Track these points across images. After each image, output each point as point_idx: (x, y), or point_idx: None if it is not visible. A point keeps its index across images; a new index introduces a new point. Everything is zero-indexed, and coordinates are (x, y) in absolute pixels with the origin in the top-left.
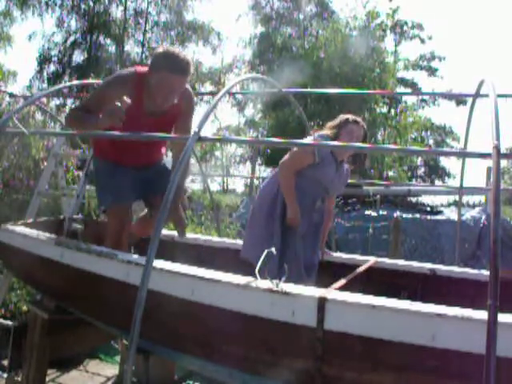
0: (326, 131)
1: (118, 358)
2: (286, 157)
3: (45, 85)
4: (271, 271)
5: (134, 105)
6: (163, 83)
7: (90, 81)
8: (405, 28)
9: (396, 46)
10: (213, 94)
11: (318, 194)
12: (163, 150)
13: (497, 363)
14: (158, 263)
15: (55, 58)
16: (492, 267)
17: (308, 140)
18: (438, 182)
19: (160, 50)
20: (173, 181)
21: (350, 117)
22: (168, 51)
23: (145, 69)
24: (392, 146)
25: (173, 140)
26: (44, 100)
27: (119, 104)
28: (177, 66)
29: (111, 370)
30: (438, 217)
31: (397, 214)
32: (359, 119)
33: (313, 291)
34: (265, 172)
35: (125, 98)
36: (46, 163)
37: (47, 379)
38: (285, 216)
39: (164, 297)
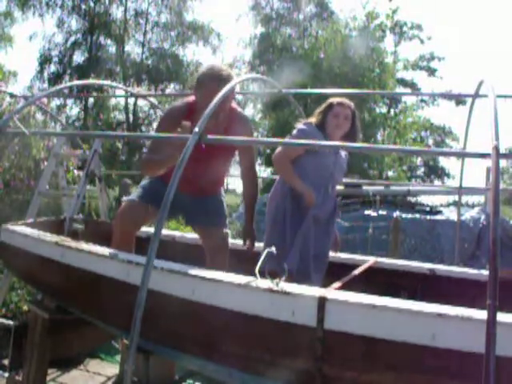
0: (312, 119)
1: (118, 358)
2: (278, 149)
3: (45, 85)
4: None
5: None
6: (204, 94)
7: (91, 81)
8: (404, 28)
9: (395, 46)
10: None
11: (327, 181)
12: (220, 182)
13: (496, 363)
14: (158, 263)
15: (56, 59)
16: (491, 267)
17: (296, 129)
18: (437, 182)
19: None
20: (173, 181)
21: (335, 99)
22: (207, 66)
23: (193, 97)
24: (392, 146)
25: (173, 140)
26: (44, 100)
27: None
28: (212, 73)
29: (112, 369)
30: (438, 217)
31: (396, 214)
32: (344, 100)
33: (313, 291)
34: (265, 172)
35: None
36: (46, 163)
37: (48, 379)
38: (294, 210)
39: (164, 297)
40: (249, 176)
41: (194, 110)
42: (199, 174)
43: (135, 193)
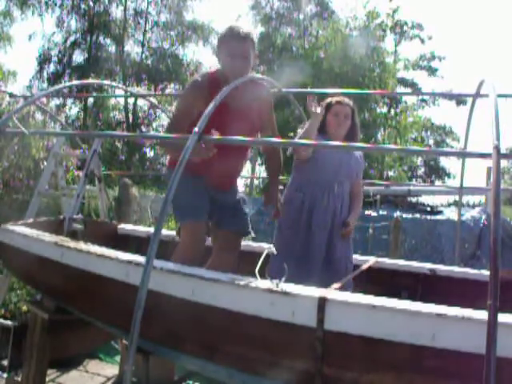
0: None
1: (117, 358)
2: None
3: (45, 85)
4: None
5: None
6: (227, 53)
7: (90, 81)
8: (405, 28)
9: (396, 46)
10: None
11: (331, 182)
12: (241, 170)
13: (497, 364)
14: (158, 263)
15: (55, 58)
16: (492, 267)
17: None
18: (437, 182)
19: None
20: (173, 178)
21: (333, 99)
22: (226, 28)
23: (215, 70)
24: (392, 146)
25: (174, 140)
26: (44, 100)
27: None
28: (234, 31)
29: (111, 370)
30: (438, 217)
31: (397, 214)
32: (343, 98)
33: (313, 291)
34: (265, 172)
35: (212, 130)
36: (45, 163)
37: (47, 379)
38: (294, 216)
39: (164, 297)
40: (273, 149)
41: (217, 81)
42: (233, 157)
43: (185, 209)
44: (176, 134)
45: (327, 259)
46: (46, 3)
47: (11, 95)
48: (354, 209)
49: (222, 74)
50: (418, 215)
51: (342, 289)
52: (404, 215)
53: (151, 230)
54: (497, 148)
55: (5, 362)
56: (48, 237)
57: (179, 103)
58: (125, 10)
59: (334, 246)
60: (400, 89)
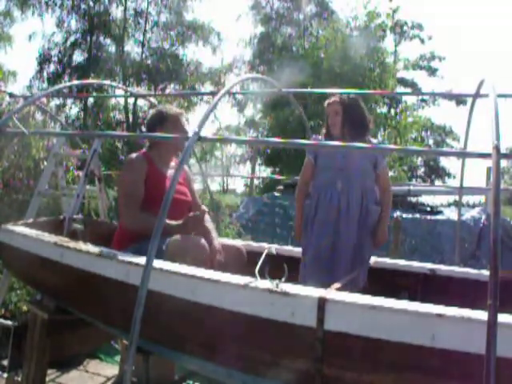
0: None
1: (118, 358)
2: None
3: (45, 85)
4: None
5: (154, 173)
6: (175, 125)
7: (90, 81)
8: (405, 28)
9: (396, 46)
10: (213, 94)
11: (333, 178)
12: None
13: (497, 364)
14: (158, 263)
15: (55, 58)
16: (492, 267)
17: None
18: (437, 182)
19: (154, 111)
20: (174, 178)
21: (326, 102)
22: (161, 108)
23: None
24: (392, 146)
25: (174, 140)
26: (44, 100)
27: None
28: (176, 110)
29: (111, 369)
30: (438, 217)
31: (397, 214)
32: (334, 98)
33: (313, 291)
34: (265, 172)
35: (203, 207)
36: (45, 163)
37: (47, 379)
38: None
39: (164, 297)
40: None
41: (149, 154)
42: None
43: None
44: (135, 211)
45: (333, 256)
46: (46, 3)
47: (11, 95)
48: (382, 215)
49: (152, 150)
50: (417, 215)
51: (351, 283)
52: (404, 215)
53: None
54: (497, 148)
55: (5, 362)
56: (48, 237)
57: (127, 183)
58: (125, 10)
59: (340, 245)
60: (400, 89)
